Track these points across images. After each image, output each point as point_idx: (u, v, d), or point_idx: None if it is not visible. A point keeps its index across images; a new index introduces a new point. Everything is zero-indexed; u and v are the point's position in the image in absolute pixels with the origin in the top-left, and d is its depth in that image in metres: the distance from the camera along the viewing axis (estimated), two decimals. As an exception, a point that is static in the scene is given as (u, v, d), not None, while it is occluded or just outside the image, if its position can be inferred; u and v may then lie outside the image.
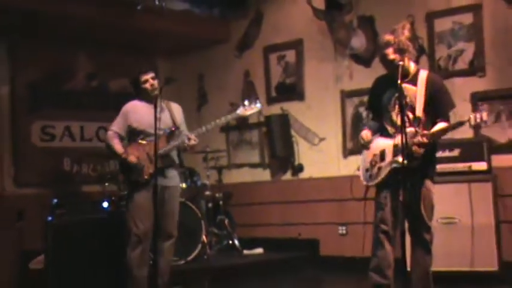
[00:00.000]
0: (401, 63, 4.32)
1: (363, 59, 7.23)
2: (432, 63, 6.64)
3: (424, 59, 6.68)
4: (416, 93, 4.48)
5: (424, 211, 4.49)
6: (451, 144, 5.96)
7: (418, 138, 4.34)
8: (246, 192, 8.12)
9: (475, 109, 6.14)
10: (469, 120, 4.20)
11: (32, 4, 6.64)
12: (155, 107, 4.85)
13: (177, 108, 5.46)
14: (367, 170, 4.69)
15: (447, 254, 5.58)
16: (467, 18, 6.49)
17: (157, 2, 7.27)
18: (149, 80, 5.22)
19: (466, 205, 5.78)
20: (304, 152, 7.80)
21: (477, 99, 6.30)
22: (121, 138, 5.36)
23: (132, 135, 5.32)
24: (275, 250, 7.66)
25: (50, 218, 5.69)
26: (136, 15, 7.31)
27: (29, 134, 7.62)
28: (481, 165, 5.90)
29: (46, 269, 5.63)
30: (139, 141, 5.25)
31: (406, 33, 4.51)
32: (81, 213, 5.98)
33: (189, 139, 5.17)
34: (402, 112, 4.14)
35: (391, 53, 4.45)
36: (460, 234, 5.74)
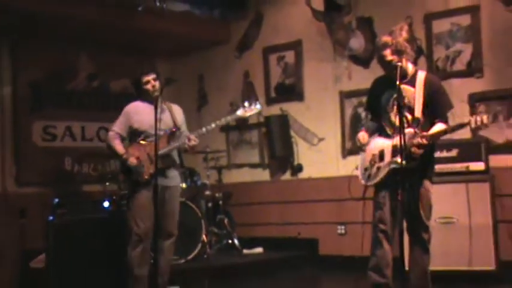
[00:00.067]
0: (399, 64, 4.33)
1: (362, 60, 7.24)
2: (430, 64, 6.65)
3: (422, 60, 6.68)
4: (415, 94, 4.49)
5: (422, 211, 4.50)
6: (449, 145, 5.96)
7: (418, 140, 4.35)
8: (246, 192, 8.12)
9: (473, 110, 6.16)
10: (469, 123, 4.20)
11: (33, 5, 6.64)
12: (155, 108, 4.85)
13: (177, 110, 5.46)
14: (365, 170, 4.69)
15: (445, 254, 5.58)
16: (465, 20, 6.49)
17: (157, 3, 7.27)
18: (151, 81, 5.23)
19: (464, 205, 5.78)
20: (303, 152, 7.80)
21: (475, 100, 6.31)
22: (122, 139, 5.36)
23: (133, 135, 5.32)
24: (274, 249, 7.66)
25: (51, 218, 5.68)
26: (137, 16, 7.32)
27: (30, 133, 7.62)
28: (479, 166, 5.90)
29: (47, 268, 5.63)
30: (140, 141, 5.26)
31: (404, 34, 4.51)
32: (82, 213, 5.97)
33: (189, 139, 5.17)
34: (400, 113, 4.14)
35: (389, 54, 4.45)
36: (458, 234, 5.74)
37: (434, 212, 4.64)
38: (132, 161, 5.18)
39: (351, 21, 7.31)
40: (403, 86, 4.39)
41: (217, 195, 7.59)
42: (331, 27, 7.47)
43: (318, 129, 7.65)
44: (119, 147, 5.32)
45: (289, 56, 7.94)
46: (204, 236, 6.89)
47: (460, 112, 5.21)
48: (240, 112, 5.26)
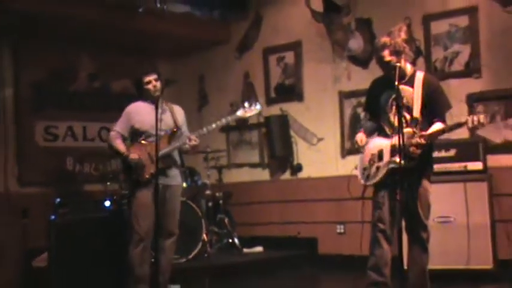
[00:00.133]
0: (398, 64, 4.33)
1: (361, 61, 7.24)
2: (429, 65, 6.65)
3: (420, 61, 6.69)
4: (413, 94, 4.49)
5: (420, 210, 4.50)
6: (447, 145, 5.96)
7: (416, 139, 4.35)
8: (246, 191, 8.12)
9: (471, 111, 6.16)
10: (466, 122, 4.20)
11: (35, 6, 6.65)
12: (156, 108, 4.86)
13: (178, 110, 5.47)
14: (364, 170, 4.69)
15: (443, 253, 5.58)
16: (463, 21, 6.50)
17: (158, 5, 7.27)
18: (152, 81, 5.23)
19: (462, 204, 5.78)
20: (303, 152, 7.80)
21: (473, 100, 6.31)
22: (124, 139, 5.37)
23: (134, 135, 5.33)
24: (274, 248, 7.66)
25: (53, 217, 5.69)
26: (138, 17, 7.32)
27: (32, 134, 7.63)
28: (477, 165, 5.91)
29: (49, 266, 5.65)
30: (142, 141, 5.27)
31: (403, 35, 4.52)
32: (84, 212, 5.98)
33: (189, 140, 5.18)
34: (399, 113, 4.14)
35: (387, 55, 4.45)
36: (456, 233, 5.75)
37: (433, 211, 4.65)
38: (133, 156, 5.18)
39: (350, 22, 7.32)
40: (401, 87, 4.39)
41: (217, 194, 7.59)
42: (330, 28, 7.47)
43: (318, 129, 7.66)
44: (120, 146, 5.33)
45: (289, 57, 7.95)
46: (204, 235, 6.89)
47: (458, 112, 5.20)
48: (240, 113, 5.27)
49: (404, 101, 4.46)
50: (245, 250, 7.44)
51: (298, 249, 7.57)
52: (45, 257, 5.85)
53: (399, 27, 4.58)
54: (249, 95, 8.29)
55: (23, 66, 7.57)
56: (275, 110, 7.97)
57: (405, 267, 4.52)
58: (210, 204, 7.50)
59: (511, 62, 6.16)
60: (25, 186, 7.43)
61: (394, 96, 4.36)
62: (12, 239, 6.86)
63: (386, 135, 4.60)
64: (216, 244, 7.42)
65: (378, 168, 4.59)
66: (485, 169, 5.92)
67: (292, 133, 7.87)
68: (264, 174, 8.21)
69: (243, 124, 8.20)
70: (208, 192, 7.53)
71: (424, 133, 4.38)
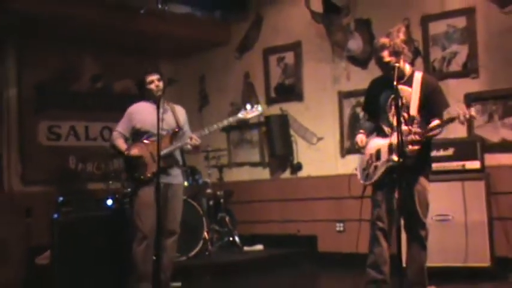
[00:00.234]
0: (397, 65, 4.33)
1: (360, 61, 7.24)
2: (427, 65, 6.65)
3: (419, 61, 6.69)
4: (412, 94, 4.50)
5: (419, 208, 4.51)
6: (446, 144, 5.97)
7: (411, 136, 4.36)
8: (246, 190, 8.13)
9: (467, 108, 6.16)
10: (458, 116, 4.21)
11: (38, 7, 6.65)
12: (158, 108, 4.86)
13: (180, 110, 5.47)
14: (364, 170, 4.70)
15: (441, 250, 5.59)
16: (461, 22, 6.50)
17: (159, 6, 7.27)
18: (154, 81, 5.24)
19: (460, 203, 5.79)
20: (302, 151, 7.81)
21: (470, 100, 6.30)
22: (125, 139, 5.38)
23: (136, 135, 5.33)
24: (275, 246, 7.66)
25: (56, 215, 5.70)
26: (140, 18, 7.33)
27: (35, 133, 7.63)
28: (475, 164, 5.91)
29: (52, 264, 5.65)
30: (144, 141, 5.27)
31: (402, 36, 4.53)
32: (86, 211, 5.99)
33: (191, 139, 5.19)
34: (398, 113, 4.15)
35: (386, 56, 4.46)
36: (454, 231, 5.75)
37: (431, 209, 4.66)
38: (134, 152, 5.19)
39: (349, 23, 7.32)
40: (400, 87, 4.40)
41: (218, 193, 7.60)
42: (330, 29, 7.47)
43: (317, 128, 7.66)
44: (121, 145, 5.34)
45: (289, 57, 7.95)
46: (205, 234, 6.90)
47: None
48: (241, 114, 5.28)
49: (404, 100, 4.46)
50: (246, 248, 7.44)
51: (298, 247, 7.57)
52: (48, 254, 5.85)
53: (398, 28, 4.59)
54: (249, 95, 8.30)
55: (26, 67, 7.57)
56: (275, 109, 7.97)
57: (404, 264, 4.53)
58: (211, 202, 7.51)
59: (508, 62, 6.17)
60: (28, 185, 7.43)
61: (393, 96, 4.37)
62: (16, 237, 6.86)
63: (385, 135, 4.60)
64: (217, 242, 7.42)
65: (376, 167, 4.60)
66: (483, 168, 5.92)
67: (292, 132, 7.87)
68: (264, 173, 8.21)
69: (243, 124, 8.16)
70: (209, 190, 7.54)
71: (418, 130, 4.39)
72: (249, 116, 5.31)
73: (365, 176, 4.68)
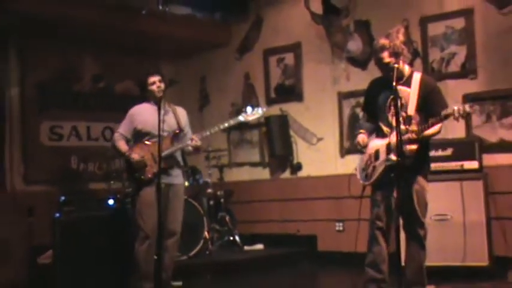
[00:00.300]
0: (396, 66, 4.33)
1: (359, 62, 7.25)
2: (426, 66, 6.66)
3: (418, 62, 6.69)
4: (410, 94, 4.50)
5: (418, 208, 4.51)
6: (444, 144, 5.98)
7: (408, 135, 4.37)
8: (247, 190, 8.13)
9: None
10: (453, 113, 4.21)
11: (40, 7, 6.66)
12: (159, 109, 4.87)
13: (181, 112, 5.48)
14: (363, 170, 4.71)
15: (440, 250, 5.59)
16: (459, 23, 6.50)
17: (160, 7, 7.28)
18: (156, 82, 5.25)
19: (458, 202, 5.79)
20: (302, 152, 7.81)
21: (469, 101, 6.28)
22: (127, 141, 5.39)
23: (138, 137, 5.34)
24: (275, 246, 7.67)
25: (57, 215, 5.70)
26: (141, 19, 7.33)
27: (37, 133, 7.63)
28: (473, 164, 5.92)
29: (54, 263, 5.65)
30: (145, 142, 5.28)
31: (401, 37, 4.53)
32: (88, 210, 5.98)
33: (191, 140, 5.19)
34: (397, 113, 4.15)
35: (386, 57, 4.46)
36: (452, 231, 5.76)
37: (430, 209, 4.66)
38: (134, 156, 5.21)
39: (349, 24, 7.33)
40: (399, 87, 4.40)
41: (218, 193, 7.61)
42: (329, 30, 7.47)
43: (317, 129, 7.67)
44: (123, 147, 5.36)
45: (289, 58, 7.95)
46: (206, 233, 6.90)
47: (454, 112, 5.20)
48: (242, 117, 5.30)
49: (402, 101, 4.47)
50: (246, 247, 7.45)
51: (297, 246, 7.58)
52: (50, 254, 5.86)
53: (397, 29, 4.59)
54: (250, 96, 8.30)
55: (29, 67, 7.57)
56: (275, 110, 7.97)
57: (403, 263, 4.53)
58: (211, 202, 7.52)
59: (506, 63, 6.17)
60: (30, 184, 7.44)
61: (392, 96, 4.37)
62: (18, 237, 6.86)
63: (384, 136, 4.60)
64: (218, 241, 7.43)
65: (374, 167, 4.61)
66: (481, 168, 5.93)
67: (292, 133, 7.88)
68: (264, 173, 8.22)
69: (243, 124, 8.18)
70: (209, 190, 7.54)
71: (414, 128, 4.40)
72: (250, 118, 5.33)
73: (364, 176, 4.69)
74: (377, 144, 4.63)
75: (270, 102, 8.10)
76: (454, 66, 6.54)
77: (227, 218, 7.52)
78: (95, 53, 8.14)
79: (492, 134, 6.23)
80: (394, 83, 4.21)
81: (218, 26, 8.46)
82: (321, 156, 7.57)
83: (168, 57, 8.84)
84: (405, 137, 4.34)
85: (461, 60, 6.49)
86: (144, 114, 5.32)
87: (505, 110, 6.18)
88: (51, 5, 6.71)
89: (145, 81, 5.28)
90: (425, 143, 4.55)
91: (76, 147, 7.94)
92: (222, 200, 7.61)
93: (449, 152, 6.00)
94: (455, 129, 6.13)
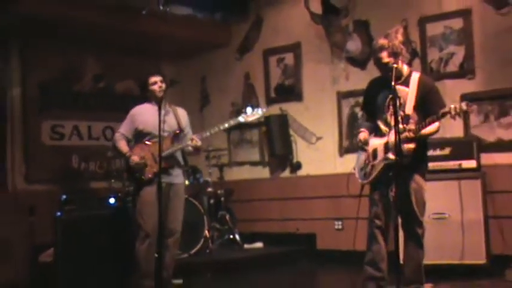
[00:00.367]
0: (395, 65, 4.34)
1: (359, 62, 7.25)
2: (424, 66, 6.67)
3: (416, 62, 6.70)
4: (408, 93, 4.51)
5: (416, 207, 4.52)
6: (442, 143, 5.98)
7: (406, 134, 4.37)
8: (247, 189, 8.14)
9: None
10: (449, 111, 4.22)
11: (42, 8, 6.66)
12: (159, 109, 4.88)
13: (182, 112, 5.49)
14: (361, 169, 4.72)
15: (438, 248, 5.60)
16: (457, 23, 6.51)
17: (161, 7, 7.28)
18: (157, 82, 5.26)
19: (456, 201, 5.79)
20: (302, 151, 7.82)
21: (467, 100, 6.29)
22: (128, 141, 5.40)
23: (139, 137, 5.35)
24: (274, 244, 7.68)
25: (59, 214, 5.71)
26: (142, 19, 7.33)
27: (39, 133, 7.63)
28: (471, 163, 5.92)
29: (55, 261, 5.67)
30: (146, 142, 5.29)
31: (400, 37, 4.54)
32: (89, 209, 6.00)
33: (192, 140, 5.20)
34: (396, 113, 4.16)
35: (385, 57, 4.47)
36: (450, 229, 5.76)
37: (428, 208, 4.67)
38: (134, 159, 5.22)
39: (348, 24, 7.33)
40: (398, 87, 4.40)
41: (219, 192, 7.62)
42: (329, 30, 7.48)
43: (316, 128, 7.67)
44: (123, 147, 5.37)
45: (289, 58, 7.96)
46: (206, 232, 6.91)
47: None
48: (242, 118, 5.30)
49: (401, 100, 4.47)
50: (246, 246, 7.46)
51: (297, 244, 7.59)
52: (51, 252, 5.87)
53: (396, 29, 4.60)
54: (250, 96, 8.31)
55: (30, 67, 7.57)
56: (275, 109, 7.98)
57: (401, 262, 4.54)
58: (211, 201, 7.53)
59: (504, 63, 6.18)
60: (32, 183, 7.44)
61: (391, 96, 4.37)
62: (20, 236, 6.87)
63: (382, 135, 4.61)
64: (218, 240, 7.44)
65: (373, 166, 4.62)
66: (479, 167, 5.93)
67: (291, 132, 7.88)
68: (264, 172, 8.22)
69: (243, 123, 8.18)
70: (210, 189, 7.55)
71: (412, 127, 4.40)
72: (250, 119, 5.34)
73: (363, 175, 4.69)
74: (375, 143, 4.64)
75: (270, 102, 8.10)
76: (453, 66, 6.54)
77: (227, 217, 7.53)
78: (96, 53, 8.14)
79: (490, 133, 6.24)
80: (392, 83, 4.22)
81: (218, 26, 8.46)
82: (320, 156, 7.58)
83: (168, 57, 8.84)
84: (403, 135, 4.34)
85: (459, 60, 6.50)
86: (145, 114, 5.33)
87: (503, 109, 6.19)
88: (52, 6, 6.71)
89: (147, 81, 5.29)
90: (423, 142, 4.55)
91: (77, 147, 7.95)
92: (222, 198, 7.62)
93: (447, 151, 6.01)
94: (453, 129, 6.14)
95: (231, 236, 7.47)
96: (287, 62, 7.98)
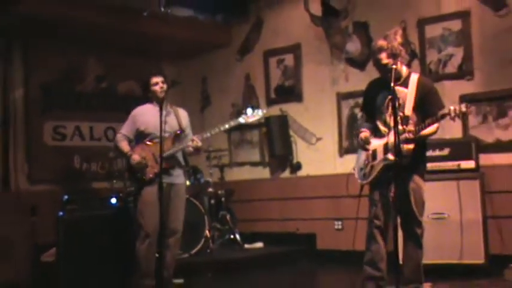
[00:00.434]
0: (394, 67, 4.34)
1: (358, 63, 7.25)
2: (423, 67, 6.67)
3: (415, 63, 6.70)
4: (407, 94, 4.51)
5: (415, 207, 4.51)
6: (441, 144, 5.98)
7: (405, 135, 4.38)
8: (247, 189, 8.14)
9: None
10: (449, 113, 4.22)
11: (44, 9, 6.66)
12: (161, 110, 4.88)
13: (183, 113, 5.50)
14: (361, 169, 4.72)
15: (437, 248, 5.60)
16: (456, 25, 6.51)
17: (162, 9, 7.28)
18: (159, 82, 5.27)
19: (455, 201, 5.79)
20: (302, 151, 7.82)
21: (465, 101, 6.26)
22: (129, 141, 5.40)
23: (140, 137, 5.36)
24: (274, 244, 7.68)
25: (61, 213, 5.71)
26: (143, 21, 7.34)
27: (41, 133, 7.65)
28: (469, 164, 5.92)
29: (57, 261, 5.66)
30: (147, 142, 5.29)
31: (399, 38, 4.53)
32: (91, 209, 6.00)
33: (192, 141, 5.21)
34: (395, 113, 4.16)
35: (384, 58, 4.47)
36: (449, 229, 5.76)
37: (427, 208, 4.67)
38: (135, 158, 5.22)
39: (348, 25, 7.34)
40: (397, 88, 4.40)
41: (219, 192, 7.62)
42: (328, 32, 7.49)
43: (316, 129, 7.67)
44: (125, 147, 5.37)
45: (289, 59, 7.96)
46: (207, 232, 6.91)
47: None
48: (242, 119, 5.30)
49: (400, 101, 4.47)
50: (246, 246, 7.46)
51: (297, 244, 7.59)
52: (54, 252, 5.86)
53: (395, 31, 4.59)
54: (250, 96, 8.31)
55: (33, 68, 7.59)
56: (275, 110, 7.98)
57: (400, 262, 4.54)
58: (212, 201, 7.53)
59: (502, 64, 6.18)
60: (34, 183, 7.45)
61: (390, 97, 4.37)
62: (22, 235, 6.87)
63: (381, 135, 4.61)
64: (218, 240, 7.44)
65: (372, 167, 4.61)
66: (478, 167, 5.93)
67: (291, 133, 7.89)
68: (264, 173, 8.23)
69: (244, 124, 8.18)
70: (210, 190, 7.55)
71: (411, 128, 4.40)
72: (250, 120, 5.34)
73: (362, 175, 4.69)
74: (374, 143, 4.64)
75: (270, 102, 8.11)
76: (451, 68, 6.54)
77: (228, 217, 7.53)
78: (98, 54, 8.15)
79: (488, 134, 6.24)
80: (392, 84, 4.23)
81: (219, 27, 8.47)
82: (320, 156, 7.58)
83: (169, 58, 8.85)
84: (402, 136, 4.34)
85: (458, 61, 6.50)
86: (146, 115, 5.34)
87: (501, 110, 6.19)
88: (54, 7, 6.71)
89: (148, 82, 5.30)
90: (422, 143, 4.55)
91: (79, 147, 7.96)
92: (222, 199, 7.62)
93: (446, 151, 6.01)
94: (452, 130, 6.14)
95: (232, 236, 7.47)
96: (287, 63, 7.98)
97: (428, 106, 4.48)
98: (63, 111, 7.85)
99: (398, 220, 4.41)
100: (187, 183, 6.74)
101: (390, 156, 4.40)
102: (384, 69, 4.48)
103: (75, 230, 5.65)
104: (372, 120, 4.75)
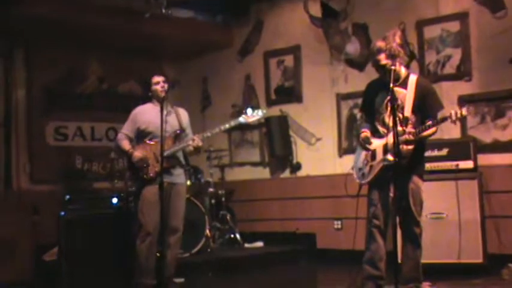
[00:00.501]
0: (393, 67, 4.35)
1: (357, 64, 7.26)
2: (422, 68, 6.67)
3: (414, 64, 6.70)
4: (406, 95, 4.51)
5: (413, 207, 4.52)
6: (440, 144, 5.98)
7: (405, 136, 4.38)
8: (247, 189, 8.14)
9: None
10: (450, 116, 4.23)
11: (47, 11, 6.67)
12: (161, 109, 4.89)
13: (183, 113, 5.51)
14: (360, 169, 4.72)
15: (436, 247, 5.60)
16: (454, 26, 6.51)
17: (163, 10, 7.28)
18: (161, 82, 5.29)
19: (454, 201, 5.79)
20: (301, 151, 7.82)
21: (464, 102, 6.32)
22: (130, 140, 5.41)
23: (141, 137, 5.36)
24: (274, 243, 7.68)
25: (62, 213, 5.72)
26: (144, 22, 7.34)
27: (43, 134, 7.66)
28: (468, 164, 5.91)
29: (59, 260, 5.67)
30: (147, 141, 5.30)
31: (397, 39, 4.54)
32: (92, 209, 6.00)
33: (192, 140, 5.21)
34: (394, 114, 4.16)
35: (383, 59, 4.47)
36: (447, 229, 5.76)
37: (426, 207, 4.67)
38: (136, 155, 5.23)
39: (347, 27, 7.34)
40: (396, 88, 4.41)
41: (220, 192, 7.62)
42: (328, 33, 7.49)
43: (316, 129, 7.68)
44: (126, 145, 5.38)
45: (289, 60, 7.96)
46: (207, 231, 6.91)
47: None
48: (242, 119, 5.31)
49: (399, 102, 4.48)
50: (246, 245, 7.46)
51: (297, 244, 7.58)
52: (55, 251, 5.87)
53: (394, 32, 4.60)
54: (250, 97, 8.31)
55: (35, 69, 7.60)
56: (275, 111, 7.99)
57: (399, 261, 4.55)
58: (213, 201, 7.53)
59: (500, 65, 6.18)
60: (36, 183, 7.46)
61: (388, 97, 4.38)
62: (24, 235, 6.88)
63: (380, 136, 4.61)
64: (219, 239, 7.44)
65: (371, 167, 4.62)
66: (476, 167, 5.93)
67: (291, 133, 7.89)
68: (264, 173, 8.23)
69: (244, 124, 8.18)
70: (211, 189, 7.55)
71: (411, 130, 4.41)
72: (250, 120, 5.34)
73: (361, 175, 4.70)
74: (374, 144, 4.64)
75: (270, 103, 8.11)
76: (450, 69, 6.55)
77: (228, 217, 7.53)
78: (99, 55, 8.16)
79: (486, 134, 6.24)
80: (391, 85, 4.23)
81: (220, 28, 8.47)
82: (320, 156, 7.58)
83: (170, 59, 8.85)
84: (402, 138, 4.35)
85: (456, 62, 6.50)
86: (147, 114, 5.35)
87: (499, 111, 6.19)
88: (56, 8, 6.72)
89: (150, 81, 5.32)
90: (421, 144, 4.56)
91: (80, 147, 7.97)
92: (223, 198, 7.62)
93: (444, 152, 6.00)
94: (450, 130, 6.14)
95: (232, 236, 7.48)
96: (287, 64, 7.99)
97: (427, 107, 4.49)
98: (65, 112, 7.86)
99: (397, 219, 4.42)
100: (188, 183, 6.74)
101: (390, 157, 4.40)
102: (382, 70, 4.48)
103: (76, 230, 5.66)
104: (371, 121, 4.75)
